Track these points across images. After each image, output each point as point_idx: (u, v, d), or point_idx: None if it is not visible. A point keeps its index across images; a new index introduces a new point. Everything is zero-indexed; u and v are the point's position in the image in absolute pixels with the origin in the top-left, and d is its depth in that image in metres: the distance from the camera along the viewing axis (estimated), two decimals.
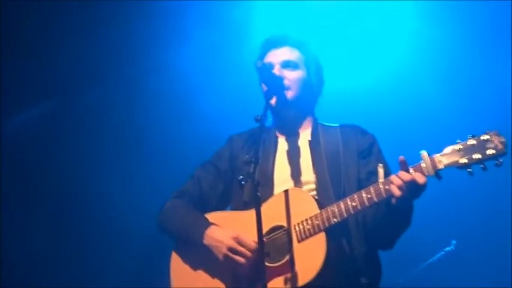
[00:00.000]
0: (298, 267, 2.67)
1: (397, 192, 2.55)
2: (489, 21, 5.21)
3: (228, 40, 5.36)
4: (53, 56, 5.29)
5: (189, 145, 5.28)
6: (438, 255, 5.39)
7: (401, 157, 2.58)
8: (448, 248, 5.37)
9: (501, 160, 2.46)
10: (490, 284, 5.33)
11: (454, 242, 5.36)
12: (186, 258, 3.02)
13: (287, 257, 2.71)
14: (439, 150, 2.58)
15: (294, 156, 3.03)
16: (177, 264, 3.05)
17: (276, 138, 3.13)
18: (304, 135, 3.10)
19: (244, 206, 2.78)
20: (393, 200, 2.60)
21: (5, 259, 5.23)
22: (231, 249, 2.78)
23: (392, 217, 2.71)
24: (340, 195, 2.81)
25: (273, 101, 2.97)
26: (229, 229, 2.86)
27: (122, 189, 5.50)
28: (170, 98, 5.62)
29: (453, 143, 2.55)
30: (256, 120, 2.71)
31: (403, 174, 2.55)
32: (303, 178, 2.96)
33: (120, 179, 5.52)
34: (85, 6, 5.15)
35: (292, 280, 2.66)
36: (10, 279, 5.20)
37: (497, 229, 5.53)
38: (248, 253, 2.75)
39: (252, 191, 2.48)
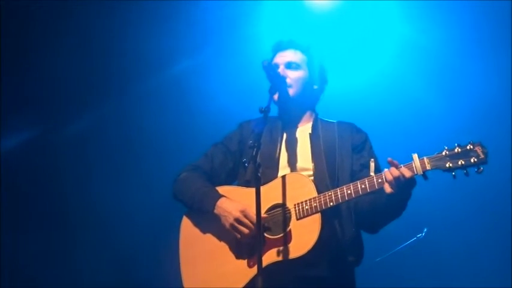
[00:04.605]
0: (295, 241, 3.03)
1: (388, 189, 2.95)
2: (480, 22, 5.45)
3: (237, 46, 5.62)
4: (53, 71, 5.48)
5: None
6: (410, 241, 5.63)
7: (389, 158, 2.99)
8: (419, 235, 5.61)
9: (481, 168, 2.84)
10: (490, 284, 5.49)
11: (425, 229, 5.61)
12: (196, 222, 3.40)
13: (285, 232, 3.07)
14: (427, 151, 2.95)
15: (296, 146, 3.42)
16: (187, 226, 3.42)
17: (282, 129, 3.51)
18: (306, 129, 3.48)
19: (246, 184, 3.25)
20: (386, 191, 2.97)
21: (5, 260, 5.48)
22: (237, 220, 3.14)
23: (387, 209, 3.11)
24: (334, 183, 3.22)
25: (276, 96, 3.37)
26: (237, 202, 3.22)
27: (120, 195, 5.72)
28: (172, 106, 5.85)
29: (442, 148, 2.92)
30: (261, 111, 3.10)
31: (393, 170, 2.95)
32: (303, 166, 3.34)
33: (122, 187, 5.74)
34: (92, 20, 5.36)
35: (288, 252, 3.01)
36: (10, 279, 5.47)
37: (497, 229, 5.72)
38: (251, 225, 3.11)
39: (253, 171, 2.85)
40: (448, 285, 5.69)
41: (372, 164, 3.07)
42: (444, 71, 5.72)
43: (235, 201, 3.23)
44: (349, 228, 3.22)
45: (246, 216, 3.13)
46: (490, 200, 5.76)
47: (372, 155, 3.36)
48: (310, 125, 3.49)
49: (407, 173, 2.90)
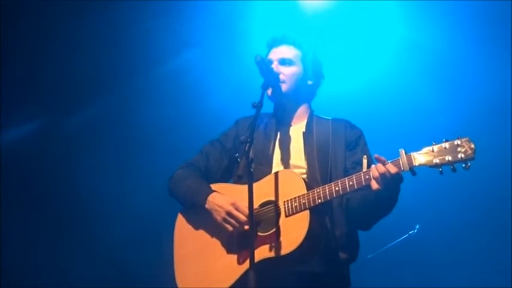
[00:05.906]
0: (283, 238, 3.02)
1: (374, 185, 2.93)
2: (480, 22, 5.44)
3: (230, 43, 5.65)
4: (54, 63, 5.54)
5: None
6: (403, 237, 5.65)
7: (376, 155, 2.97)
8: (411, 232, 5.64)
9: (469, 164, 2.77)
10: (490, 284, 5.48)
11: (417, 226, 5.64)
12: (189, 219, 3.41)
13: (274, 229, 3.07)
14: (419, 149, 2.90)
15: (290, 143, 3.41)
16: (181, 224, 3.44)
17: (276, 126, 3.50)
18: (300, 126, 3.48)
19: (238, 180, 3.23)
20: (373, 187, 2.94)
21: (5, 259, 5.50)
22: (229, 214, 3.15)
23: (377, 205, 3.08)
24: (327, 180, 3.19)
25: (269, 91, 3.38)
26: (229, 196, 3.22)
27: (119, 191, 5.75)
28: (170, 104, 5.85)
29: (430, 143, 2.86)
30: (253, 106, 3.11)
31: (379, 166, 2.92)
32: (296, 163, 3.34)
33: (116, 184, 5.76)
34: (86, 17, 5.38)
35: (277, 249, 3.00)
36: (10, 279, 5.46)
37: (497, 229, 5.72)
38: (243, 217, 3.11)
39: (246, 166, 2.85)
40: (447, 285, 5.68)
41: (365, 161, 3.04)
42: (443, 69, 5.70)
43: (226, 196, 3.23)
44: (340, 225, 3.20)
45: (237, 209, 3.14)
46: (490, 199, 5.73)
47: (365, 151, 3.33)
48: (304, 122, 3.47)
49: (393, 169, 2.87)
